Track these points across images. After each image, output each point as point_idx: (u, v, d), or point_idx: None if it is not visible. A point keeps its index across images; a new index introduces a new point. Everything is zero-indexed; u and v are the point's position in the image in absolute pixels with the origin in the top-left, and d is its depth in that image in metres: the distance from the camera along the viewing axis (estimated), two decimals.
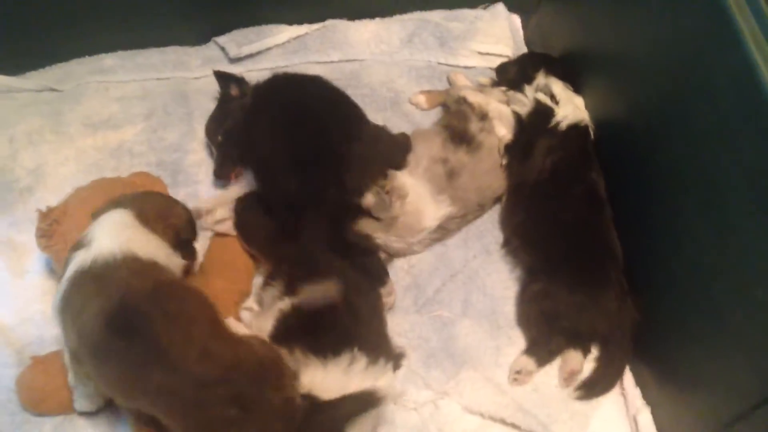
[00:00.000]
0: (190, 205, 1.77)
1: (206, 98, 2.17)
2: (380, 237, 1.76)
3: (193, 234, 1.63)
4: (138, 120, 2.14)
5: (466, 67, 2.29)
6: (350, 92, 1.96)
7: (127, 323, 1.30)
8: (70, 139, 2.09)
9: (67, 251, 1.50)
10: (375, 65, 2.27)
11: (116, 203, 1.51)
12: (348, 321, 1.56)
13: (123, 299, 1.31)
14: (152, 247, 1.44)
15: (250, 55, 2.29)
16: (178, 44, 2.31)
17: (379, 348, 1.56)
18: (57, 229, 1.62)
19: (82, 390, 1.53)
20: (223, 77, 1.97)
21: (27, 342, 1.70)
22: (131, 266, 1.37)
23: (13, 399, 1.64)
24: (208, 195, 2.01)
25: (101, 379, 1.38)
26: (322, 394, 1.45)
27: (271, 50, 2.30)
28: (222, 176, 1.96)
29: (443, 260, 1.88)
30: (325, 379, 1.47)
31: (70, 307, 1.36)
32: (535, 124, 1.89)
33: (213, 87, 2.17)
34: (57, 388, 1.58)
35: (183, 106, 2.18)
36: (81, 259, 1.38)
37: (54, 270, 1.74)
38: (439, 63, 2.31)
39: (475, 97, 1.95)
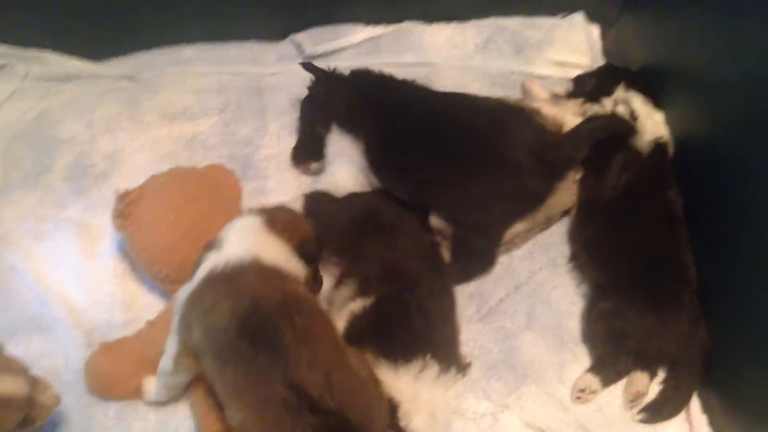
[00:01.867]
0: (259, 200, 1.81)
1: (280, 95, 2.20)
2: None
3: (317, 251, 1.59)
4: (213, 113, 2.18)
5: (541, 76, 2.26)
6: None
7: (258, 330, 1.30)
8: (146, 127, 2.14)
9: (140, 233, 1.59)
10: (448, 70, 2.26)
11: (248, 211, 1.57)
12: (420, 326, 1.55)
13: (255, 305, 1.32)
14: (276, 253, 1.45)
15: (324, 54, 2.30)
16: (256, 39, 2.34)
17: (451, 356, 1.55)
18: (133, 211, 1.66)
19: (168, 381, 1.54)
20: (312, 69, 2.00)
21: (96, 325, 1.74)
22: (258, 271, 1.39)
23: (80, 381, 1.68)
24: (276, 190, 2.02)
25: (219, 378, 1.37)
26: (396, 396, 1.45)
27: (346, 50, 2.32)
28: (301, 162, 2.01)
29: (508, 270, 1.85)
30: (396, 383, 1.47)
31: (200, 302, 1.38)
32: (612, 139, 1.84)
33: (287, 84, 2.22)
34: (125, 376, 1.61)
35: (257, 101, 2.21)
36: (213, 260, 1.41)
37: (127, 253, 1.77)
38: (513, 71, 2.27)
39: (549, 110, 1.91)
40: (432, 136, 1.74)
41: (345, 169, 1.82)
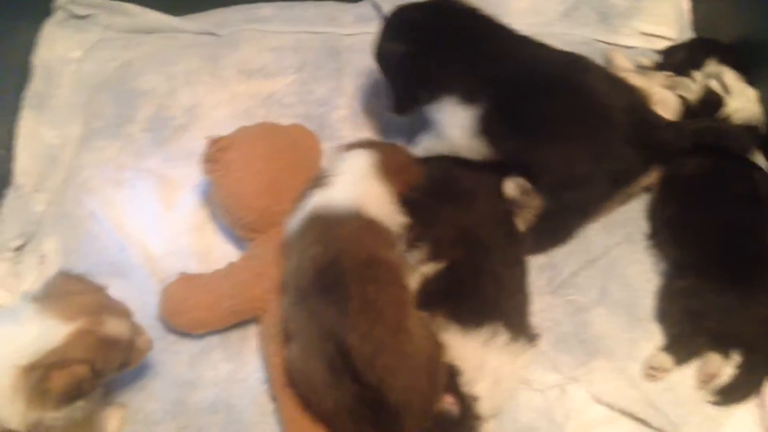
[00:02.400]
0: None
1: (357, 56, 2.18)
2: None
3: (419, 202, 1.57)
4: (289, 71, 2.18)
5: (626, 47, 2.18)
6: None
7: (330, 285, 1.34)
8: (224, 83, 2.15)
9: (227, 179, 1.64)
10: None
11: (361, 145, 1.60)
12: (492, 293, 1.55)
13: (337, 259, 1.35)
14: (380, 205, 1.48)
15: None
16: None
17: (521, 326, 1.54)
18: (222, 157, 1.68)
19: None
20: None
21: (171, 273, 1.76)
22: (353, 225, 1.42)
23: (155, 326, 1.73)
24: None
25: (289, 313, 1.45)
26: (459, 362, 1.45)
27: None
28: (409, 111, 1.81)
29: (582, 244, 1.81)
30: (463, 348, 1.47)
31: (299, 240, 1.46)
32: (701, 114, 1.77)
33: (364, 45, 2.18)
34: (194, 306, 1.66)
35: (334, 61, 2.20)
36: (319, 199, 1.47)
37: (208, 201, 1.82)
38: (597, 40, 2.21)
39: (637, 81, 1.85)
40: (553, 106, 1.65)
41: (459, 133, 1.67)
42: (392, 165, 1.52)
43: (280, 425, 1.59)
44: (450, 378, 1.44)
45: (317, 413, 1.43)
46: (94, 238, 1.88)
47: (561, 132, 1.64)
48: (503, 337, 1.50)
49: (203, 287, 1.68)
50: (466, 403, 1.43)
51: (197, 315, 1.67)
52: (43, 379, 1.23)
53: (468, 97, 1.61)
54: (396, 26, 1.69)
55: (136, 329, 1.44)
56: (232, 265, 1.73)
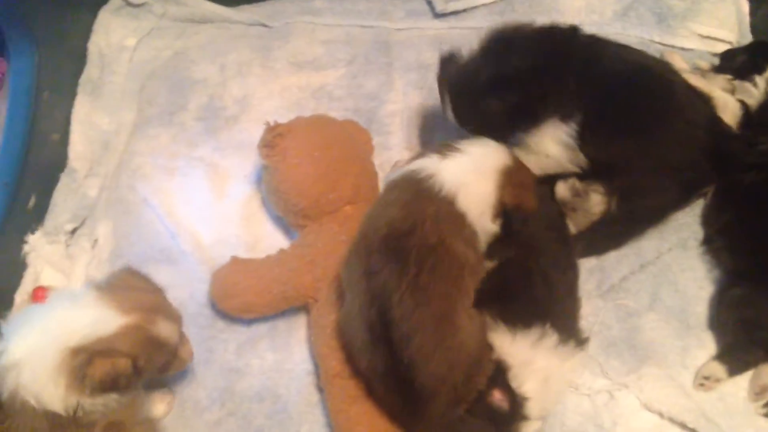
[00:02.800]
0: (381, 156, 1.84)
1: (408, 51, 2.18)
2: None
3: (518, 224, 1.52)
4: (340, 64, 2.18)
5: (683, 49, 2.14)
6: None
7: (393, 253, 1.35)
8: (276, 75, 2.16)
9: (284, 165, 1.67)
10: None
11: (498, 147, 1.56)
12: (542, 295, 1.54)
13: (410, 231, 1.36)
14: (481, 205, 1.47)
15: (455, 12, 2.26)
16: None
17: (570, 329, 1.52)
18: (280, 143, 1.70)
19: None
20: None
21: (221, 262, 1.77)
22: (442, 206, 1.41)
23: (204, 313, 1.76)
24: (398, 146, 2.01)
25: (348, 265, 1.46)
26: (509, 360, 1.44)
27: (478, 9, 2.26)
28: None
29: (634, 248, 1.78)
30: (512, 348, 1.47)
31: (388, 192, 1.50)
32: (763, 119, 1.73)
33: (415, 40, 2.19)
34: (245, 289, 1.67)
35: (384, 55, 2.19)
36: (422, 163, 1.47)
37: (263, 185, 1.82)
38: (653, 41, 2.16)
39: (697, 83, 1.81)
40: (640, 112, 1.62)
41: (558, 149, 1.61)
42: (515, 179, 1.49)
43: (326, 416, 1.60)
44: (498, 373, 1.44)
45: (354, 367, 1.48)
46: (146, 224, 1.91)
47: (646, 138, 1.61)
48: (552, 338, 1.49)
49: (254, 272, 1.69)
50: (516, 399, 1.42)
51: (247, 299, 1.69)
52: (85, 363, 1.25)
53: (567, 115, 1.56)
54: (493, 80, 1.53)
55: (183, 338, 1.46)
56: (283, 252, 1.74)
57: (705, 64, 2.02)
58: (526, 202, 1.49)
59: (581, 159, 1.61)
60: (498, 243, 1.57)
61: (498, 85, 1.51)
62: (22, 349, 1.27)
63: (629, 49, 1.73)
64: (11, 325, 1.33)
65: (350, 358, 1.49)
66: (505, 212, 1.47)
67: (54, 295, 1.42)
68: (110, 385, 1.27)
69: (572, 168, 1.64)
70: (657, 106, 1.62)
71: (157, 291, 1.43)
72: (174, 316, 1.41)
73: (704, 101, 1.70)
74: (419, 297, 1.33)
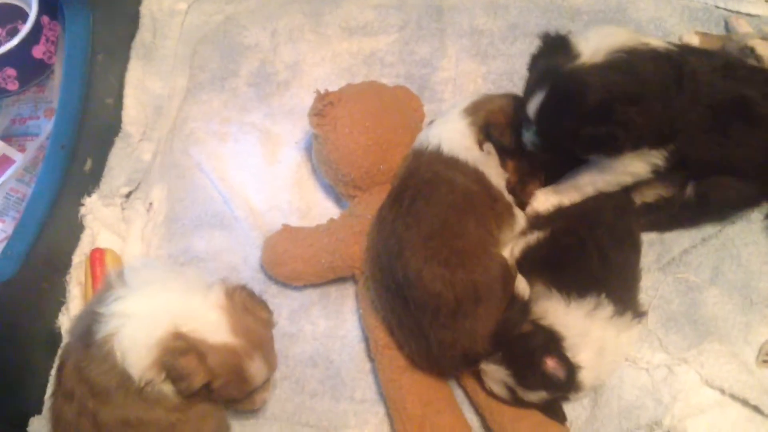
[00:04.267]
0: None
1: (461, 16, 2.14)
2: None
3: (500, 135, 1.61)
4: (392, 30, 2.14)
5: (749, 14, 2.05)
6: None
7: (396, 196, 1.53)
8: (327, 40, 2.14)
9: (335, 134, 1.66)
10: (645, 0, 2.10)
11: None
12: (597, 266, 1.51)
13: (410, 175, 1.56)
14: (460, 140, 1.60)
15: None
16: None
17: (628, 301, 1.49)
18: (330, 112, 1.68)
19: None
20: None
21: (273, 228, 1.79)
22: (434, 155, 1.58)
23: (257, 278, 1.77)
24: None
25: (373, 224, 1.61)
26: (562, 330, 1.43)
27: None
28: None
29: None
30: (566, 317, 1.45)
31: (402, 166, 1.64)
32: None
33: (468, 5, 2.13)
34: (294, 257, 1.69)
35: (437, 21, 2.15)
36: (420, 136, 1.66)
37: (313, 155, 1.80)
38: (718, 6, 2.08)
39: (766, 50, 1.74)
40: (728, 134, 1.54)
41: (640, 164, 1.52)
42: (479, 106, 1.63)
43: (377, 384, 1.60)
44: (552, 342, 1.44)
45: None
46: (200, 188, 1.92)
47: (732, 146, 1.54)
48: (608, 309, 1.47)
49: (304, 240, 1.70)
50: (571, 368, 1.41)
51: (296, 267, 1.69)
52: (178, 351, 1.27)
53: (659, 144, 1.48)
54: (598, 106, 1.37)
55: (266, 384, 1.44)
56: (332, 222, 1.74)
57: None
58: (494, 118, 1.60)
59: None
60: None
61: (603, 114, 1.37)
62: (139, 306, 1.31)
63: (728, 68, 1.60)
64: (137, 277, 1.37)
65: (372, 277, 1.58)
66: (486, 134, 1.59)
67: (192, 275, 1.44)
68: (174, 380, 1.28)
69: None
70: (746, 125, 1.54)
71: (269, 327, 1.44)
72: (271, 361, 1.40)
73: None
74: (409, 220, 1.46)
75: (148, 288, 1.34)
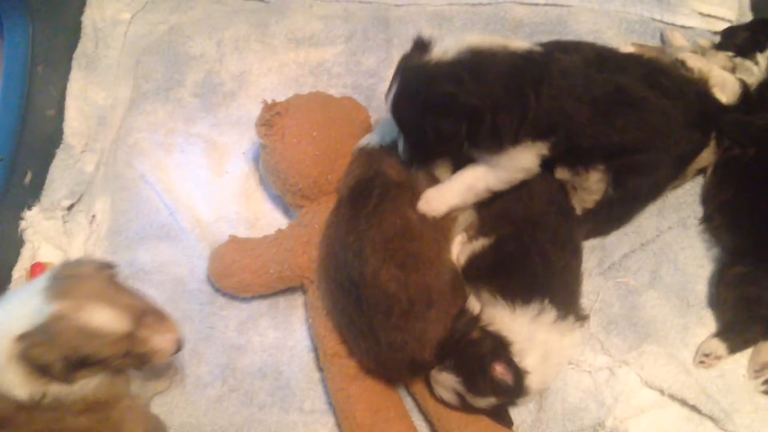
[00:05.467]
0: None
1: (407, 27, 2.16)
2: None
3: None
4: (339, 41, 2.16)
5: (683, 27, 2.13)
6: (554, 39, 1.87)
7: (359, 193, 1.55)
8: (273, 51, 2.14)
9: (282, 144, 1.65)
10: (583, 13, 2.16)
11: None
12: (540, 270, 1.54)
13: (375, 176, 1.57)
14: None
15: None
16: None
17: (570, 305, 1.53)
18: (278, 122, 1.68)
19: None
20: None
21: (220, 239, 1.78)
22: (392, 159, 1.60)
23: (204, 290, 1.76)
24: None
25: (330, 217, 1.63)
26: (510, 335, 1.46)
27: None
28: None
29: (634, 226, 1.79)
30: (512, 323, 1.48)
31: (349, 168, 1.67)
32: (764, 96, 1.73)
33: (414, 16, 2.16)
34: (242, 268, 1.68)
35: (383, 32, 2.17)
36: (366, 139, 1.70)
37: (261, 164, 1.78)
38: (654, 19, 2.15)
39: (695, 62, 1.81)
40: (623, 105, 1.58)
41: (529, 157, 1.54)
42: None
43: (328, 393, 1.60)
44: (500, 348, 1.46)
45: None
46: (144, 200, 1.89)
47: (633, 123, 1.58)
48: (551, 314, 1.50)
49: (251, 251, 1.69)
50: (518, 373, 1.43)
51: (244, 278, 1.69)
52: (24, 351, 1.22)
53: (542, 136, 1.51)
54: (438, 97, 1.43)
55: (156, 325, 1.33)
56: (280, 232, 1.73)
57: (705, 42, 2.01)
58: None
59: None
60: (487, 218, 1.65)
61: (456, 110, 1.42)
62: None
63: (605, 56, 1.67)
64: None
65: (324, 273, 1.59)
66: None
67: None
68: (43, 372, 1.24)
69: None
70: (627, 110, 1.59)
71: (102, 279, 1.32)
72: (119, 302, 1.28)
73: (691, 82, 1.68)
74: (373, 220, 1.48)
75: None
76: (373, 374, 1.55)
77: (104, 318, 1.25)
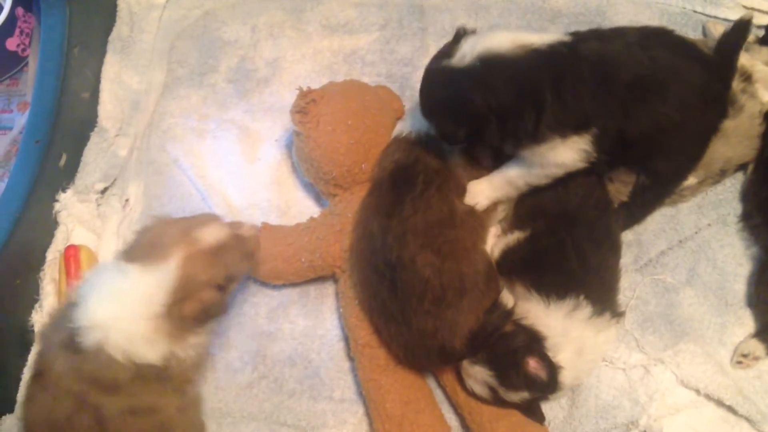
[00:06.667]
0: None
1: (442, 16, 2.13)
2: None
3: None
4: (373, 29, 2.13)
5: (726, 20, 2.08)
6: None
7: (400, 179, 1.54)
8: (308, 37, 2.12)
9: (317, 132, 1.65)
10: (624, 4, 2.11)
11: None
12: (575, 267, 1.52)
13: (415, 161, 1.57)
14: None
15: None
16: None
17: (607, 301, 1.51)
18: (313, 109, 1.66)
19: None
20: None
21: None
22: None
23: None
24: None
25: (363, 200, 1.64)
26: (544, 330, 1.45)
27: None
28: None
29: (672, 223, 1.76)
30: (547, 318, 1.47)
31: (386, 151, 1.67)
32: None
33: (450, 5, 2.13)
34: (274, 256, 1.67)
35: (418, 20, 2.14)
36: (400, 126, 1.70)
37: (295, 151, 1.77)
38: (696, 11, 2.11)
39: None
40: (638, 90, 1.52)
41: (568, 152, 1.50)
42: None
43: (357, 383, 1.60)
44: (534, 342, 1.45)
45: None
46: (177, 185, 1.89)
47: (655, 114, 1.53)
48: (586, 310, 1.48)
49: (283, 239, 1.68)
50: (552, 368, 1.42)
51: (276, 266, 1.68)
52: (179, 313, 1.32)
53: (580, 128, 1.48)
54: (450, 105, 1.50)
55: (233, 225, 1.46)
56: (312, 220, 1.73)
57: (750, 37, 1.95)
58: None
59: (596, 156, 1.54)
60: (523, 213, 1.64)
61: (455, 115, 1.48)
62: (106, 313, 1.32)
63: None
64: (85, 288, 1.37)
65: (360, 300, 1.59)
66: None
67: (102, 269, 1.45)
68: (206, 315, 1.36)
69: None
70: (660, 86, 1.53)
71: (170, 220, 1.45)
72: (207, 220, 1.42)
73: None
74: (419, 205, 1.48)
75: (100, 293, 1.35)
76: (401, 362, 1.54)
77: (215, 233, 1.39)
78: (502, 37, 1.46)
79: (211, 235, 1.37)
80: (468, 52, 1.44)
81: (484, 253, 1.56)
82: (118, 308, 1.32)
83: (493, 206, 1.61)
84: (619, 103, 1.48)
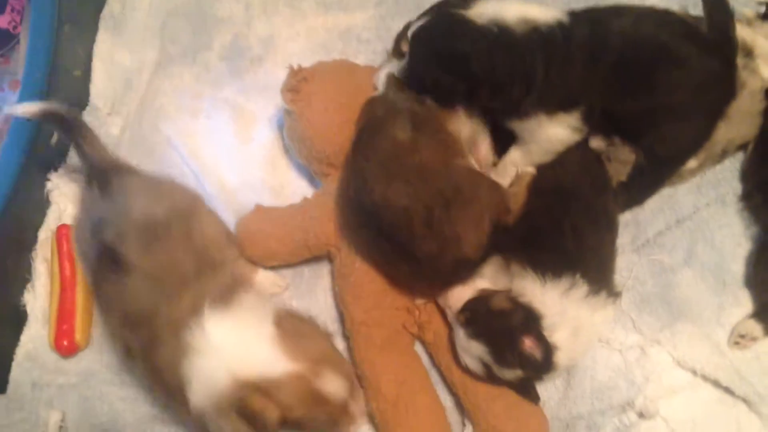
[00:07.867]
0: None
1: None
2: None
3: None
4: (369, 5, 2.09)
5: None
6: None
7: (360, 138, 1.53)
8: (303, 15, 2.09)
9: (309, 111, 1.62)
10: None
11: None
12: (571, 246, 1.50)
13: (370, 117, 1.55)
14: None
15: None
16: None
17: (603, 281, 1.49)
18: (304, 87, 1.64)
19: None
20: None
21: (246, 206, 1.75)
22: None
23: None
24: None
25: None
26: (541, 309, 1.43)
27: None
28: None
29: (670, 203, 1.73)
30: (543, 296, 1.45)
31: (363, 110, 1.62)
32: None
33: None
34: (267, 237, 1.66)
35: None
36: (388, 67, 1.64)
37: (286, 132, 1.75)
38: None
39: (740, 33, 1.73)
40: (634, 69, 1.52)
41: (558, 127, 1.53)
42: None
43: (351, 364, 1.58)
44: (530, 321, 1.43)
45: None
46: (170, 164, 1.88)
47: (675, 79, 1.52)
48: (582, 289, 1.46)
49: (277, 219, 1.67)
50: (548, 348, 1.40)
51: (270, 246, 1.67)
52: (243, 396, 1.24)
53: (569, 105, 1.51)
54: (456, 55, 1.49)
55: (354, 395, 1.34)
56: (306, 200, 1.71)
57: (750, 12, 1.92)
58: None
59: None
60: None
61: (460, 72, 1.47)
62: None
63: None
64: None
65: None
66: None
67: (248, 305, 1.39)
68: (250, 422, 1.24)
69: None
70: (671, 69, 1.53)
71: (327, 338, 1.39)
72: (344, 370, 1.32)
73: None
74: (368, 153, 1.47)
75: None
76: (432, 298, 1.57)
77: (334, 384, 1.27)
78: (514, 8, 1.46)
79: (331, 385, 1.27)
80: (487, 12, 1.44)
81: (461, 165, 1.51)
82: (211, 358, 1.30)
83: (456, 133, 1.57)
84: (605, 84, 1.48)
